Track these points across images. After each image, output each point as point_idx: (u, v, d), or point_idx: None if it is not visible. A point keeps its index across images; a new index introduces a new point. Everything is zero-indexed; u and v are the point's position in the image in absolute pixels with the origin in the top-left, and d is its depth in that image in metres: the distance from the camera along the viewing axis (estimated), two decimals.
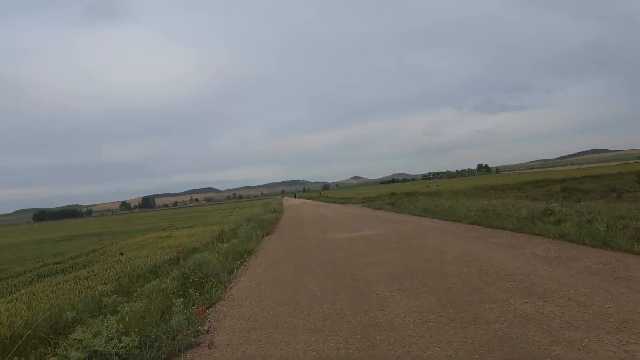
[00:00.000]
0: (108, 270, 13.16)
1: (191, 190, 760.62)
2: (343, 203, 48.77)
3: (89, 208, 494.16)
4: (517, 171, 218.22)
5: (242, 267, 10.79)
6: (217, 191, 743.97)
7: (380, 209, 30.37)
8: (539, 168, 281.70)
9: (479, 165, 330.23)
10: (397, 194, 50.87)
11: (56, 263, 18.90)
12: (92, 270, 13.65)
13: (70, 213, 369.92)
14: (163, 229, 33.33)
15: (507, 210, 17.38)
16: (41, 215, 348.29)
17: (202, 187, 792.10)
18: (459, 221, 16.59)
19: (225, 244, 15.19)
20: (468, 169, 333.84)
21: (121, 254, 15.46)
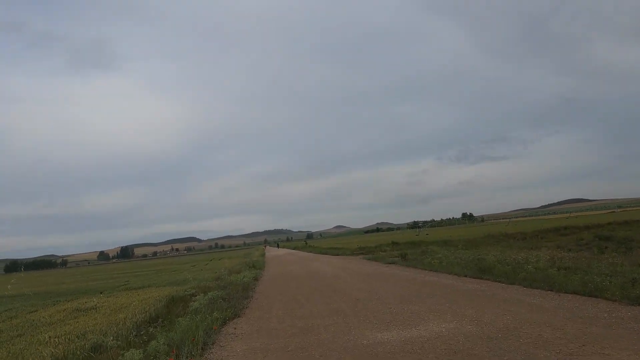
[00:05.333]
0: None
1: (172, 239, 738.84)
2: (336, 254, 40.63)
3: (65, 258, 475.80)
4: (507, 220, 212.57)
5: None
6: (199, 241, 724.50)
7: (393, 263, 22.64)
8: (528, 217, 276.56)
9: (463, 214, 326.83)
10: (400, 244, 43.40)
11: None
12: None
13: (44, 264, 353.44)
14: (101, 293, 24.88)
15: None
16: (13, 266, 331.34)
17: (183, 237, 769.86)
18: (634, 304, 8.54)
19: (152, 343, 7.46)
20: (453, 217, 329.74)
21: None
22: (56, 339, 10.95)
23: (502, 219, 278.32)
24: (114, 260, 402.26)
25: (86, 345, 9.53)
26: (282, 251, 71.83)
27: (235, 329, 9.03)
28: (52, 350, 9.47)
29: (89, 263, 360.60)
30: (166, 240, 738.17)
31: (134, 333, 10.57)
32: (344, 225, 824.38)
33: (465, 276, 14.37)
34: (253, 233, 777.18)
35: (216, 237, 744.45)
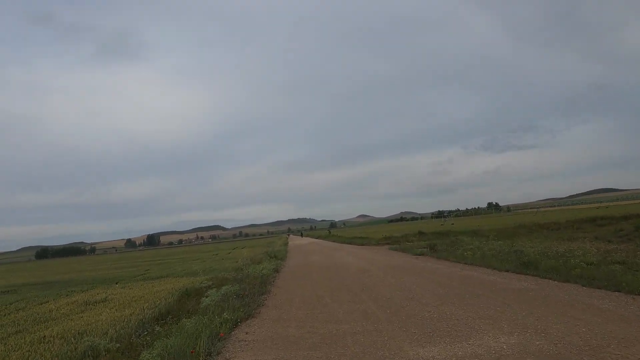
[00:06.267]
0: None
1: (198, 228, 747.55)
2: (361, 244, 39.27)
3: (93, 246, 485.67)
4: (535, 209, 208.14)
5: None
6: (224, 229, 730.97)
7: (422, 255, 21.19)
8: (557, 206, 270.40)
9: (489, 204, 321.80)
10: (427, 234, 41.81)
11: None
12: None
13: (73, 251, 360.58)
14: (116, 283, 23.94)
15: None
16: (44, 253, 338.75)
17: (208, 225, 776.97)
18: None
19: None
20: (478, 207, 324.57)
21: None
22: (51, 339, 9.83)
23: (530, 208, 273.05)
24: (140, 248, 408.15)
25: (78, 348, 8.38)
26: (305, 240, 70.75)
27: (247, 333, 7.70)
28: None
29: (116, 250, 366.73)
30: (192, 228, 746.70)
31: (138, 333, 9.42)
32: (368, 214, 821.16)
33: (507, 271, 12.83)
34: (277, 222, 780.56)
35: (241, 225, 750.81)
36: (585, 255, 13.67)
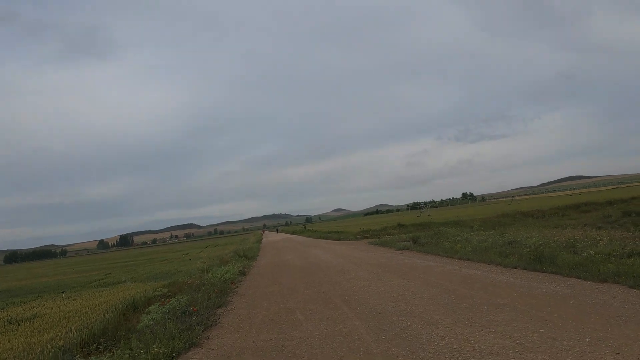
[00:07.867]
0: None
1: (172, 226, 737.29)
2: (338, 239, 36.87)
3: (65, 248, 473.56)
4: (510, 198, 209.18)
5: None
6: (198, 227, 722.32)
7: (407, 249, 19.01)
8: (531, 194, 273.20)
9: (464, 194, 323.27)
10: (408, 226, 39.83)
11: None
12: None
13: (43, 254, 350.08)
14: (62, 292, 21.08)
15: None
16: (13, 257, 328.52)
17: (183, 223, 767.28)
18: None
19: None
20: (453, 197, 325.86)
21: None
22: None
23: (504, 197, 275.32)
24: (113, 249, 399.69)
25: None
26: (279, 236, 68.16)
27: None
28: None
29: (88, 252, 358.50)
30: (166, 227, 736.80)
31: None
32: (343, 208, 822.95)
33: (516, 267, 10.61)
34: (252, 218, 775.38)
35: (216, 223, 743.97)
36: (597, 245, 11.61)
